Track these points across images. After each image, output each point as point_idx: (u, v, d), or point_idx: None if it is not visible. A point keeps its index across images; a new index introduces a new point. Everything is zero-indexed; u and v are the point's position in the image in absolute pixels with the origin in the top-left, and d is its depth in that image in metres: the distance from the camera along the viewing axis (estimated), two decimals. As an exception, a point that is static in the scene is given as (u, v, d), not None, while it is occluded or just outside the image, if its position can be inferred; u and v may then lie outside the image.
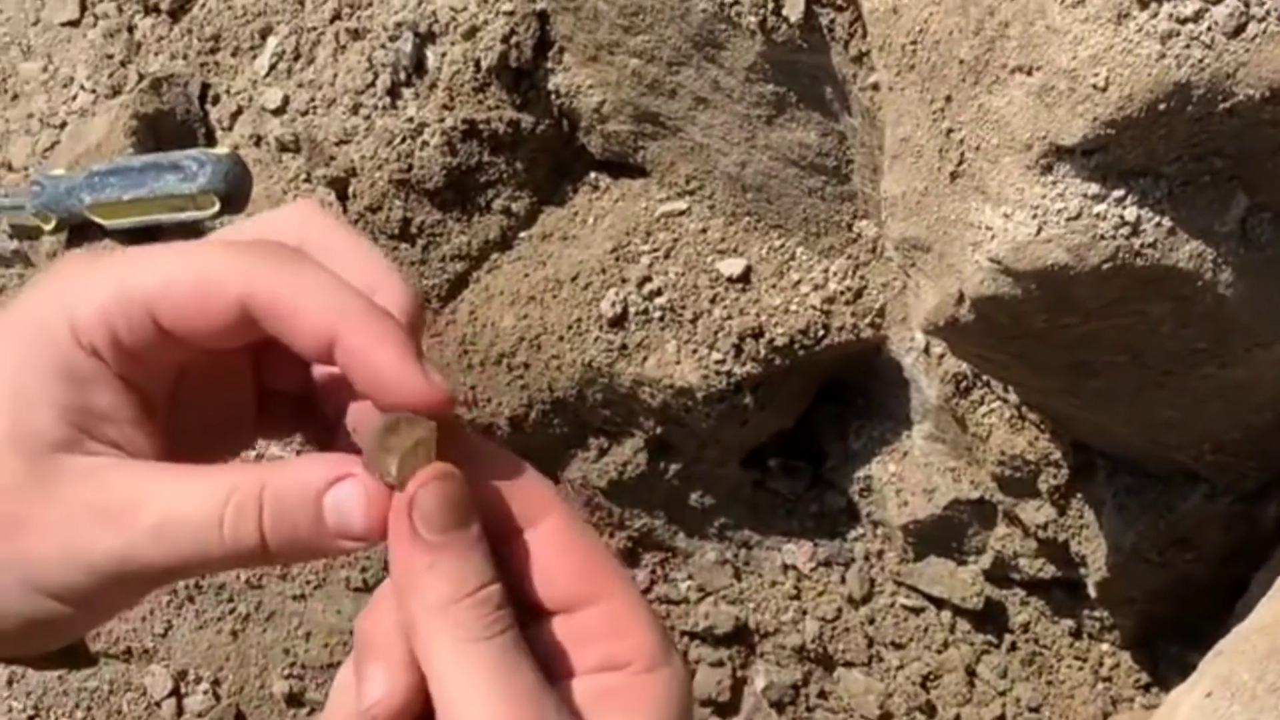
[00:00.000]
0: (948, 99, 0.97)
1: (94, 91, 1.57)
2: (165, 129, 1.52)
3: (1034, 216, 0.94)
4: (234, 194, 1.39)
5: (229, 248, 0.51)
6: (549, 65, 1.47)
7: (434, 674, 0.50)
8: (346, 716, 0.52)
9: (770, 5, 1.25)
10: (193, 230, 1.50)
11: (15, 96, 1.63)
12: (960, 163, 0.98)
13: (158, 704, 1.58)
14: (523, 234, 1.54)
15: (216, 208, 1.39)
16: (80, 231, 1.48)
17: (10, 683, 1.60)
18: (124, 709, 1.59)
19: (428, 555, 0.50)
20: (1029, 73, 0.91)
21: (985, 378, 1.35)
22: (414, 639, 0.50)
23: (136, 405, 0.52)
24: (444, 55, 1.47)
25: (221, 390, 0.57)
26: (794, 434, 1.62)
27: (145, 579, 0.51)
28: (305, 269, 0.51)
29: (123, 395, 0.51)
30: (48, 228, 1.49)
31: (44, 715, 1.59)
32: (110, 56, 1.57)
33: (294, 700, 1.57)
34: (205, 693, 1.58)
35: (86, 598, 0.51)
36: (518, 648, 0.50)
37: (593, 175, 1.55)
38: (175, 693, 1.58)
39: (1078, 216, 0.93)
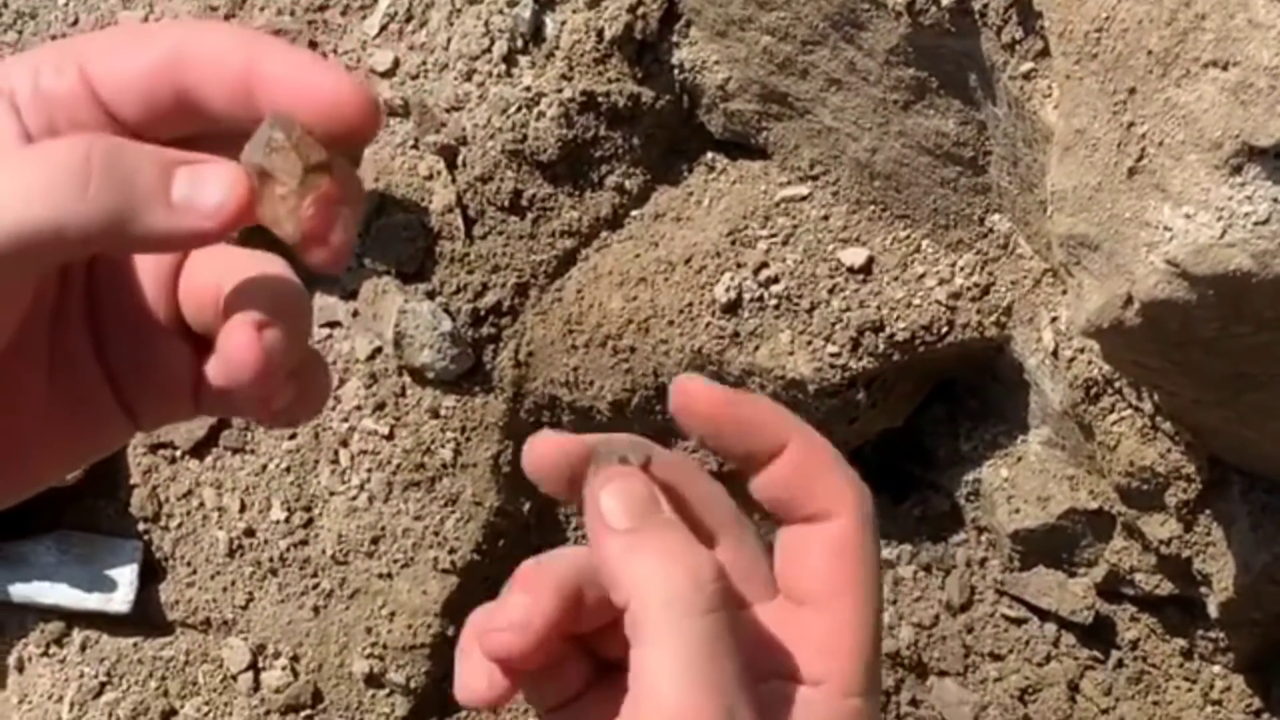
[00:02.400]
0: (1131, 91, 0.95)
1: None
2: (271, 87, 1.50)
3: (1219, 219, 0.91)
4: (347, 158, 1.37)
5: (169, 20, 0.52)
6: (674, 39, 1.45)
7: (638, 638, 0.49)
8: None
9: (921, -14, 1.23)
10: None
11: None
12: (1140, 158, 0.95)
13: (234, 677, 1.57)
14: (635, 212, 1.52)
15: (326, 171, 1.37)
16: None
17: (83, 648, 1.59)
18: (199, 680, 1.58)
19: (625, 539, 0.51)
20: (1224, 68, 0.88)
21: (1118, 385, 1.32)
22: (630, 620, 0.49)
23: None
24: (564, 24, 1.45)
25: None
26: (900, 432, 1.59)
27: None
28: (225, 24, 0.50)
29: (11, 125, 0.47)
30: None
31: (116, 683, 1.59)
32: (214, 9, 1.55)
33: (373, 681, 1.56)
34: (283, 668, 1.56)
35: None
36: (728, 632, 0.49)
37: (710, 155, 1.52)
38: (253, 666, 1.57)
39: (1266, 221, 0.90)
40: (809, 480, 0.54)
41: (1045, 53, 1.18)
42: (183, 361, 0.52)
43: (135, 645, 1.59)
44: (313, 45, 1.53)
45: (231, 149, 0.48)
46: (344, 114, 0.46)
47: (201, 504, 1.56)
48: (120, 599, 1.56)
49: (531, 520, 1.60)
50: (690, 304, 1.45)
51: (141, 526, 1.58)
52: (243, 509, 1.56)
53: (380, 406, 1.52)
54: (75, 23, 1.64)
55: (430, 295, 1.47)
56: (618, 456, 0.54)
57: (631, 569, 0.50)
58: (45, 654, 1.60)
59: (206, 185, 0.46)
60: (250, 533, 1.56)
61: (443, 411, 1.52)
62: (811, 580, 0.53)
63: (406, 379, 1.52)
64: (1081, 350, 1.34)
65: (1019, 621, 1.63)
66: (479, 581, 1.55)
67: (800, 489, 0.54)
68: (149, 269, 0.52)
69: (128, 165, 0.45)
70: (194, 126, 0.49)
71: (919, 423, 1.60)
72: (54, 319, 0.51)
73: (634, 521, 0.51)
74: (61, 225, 0.44)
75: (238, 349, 0.47)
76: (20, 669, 1.60)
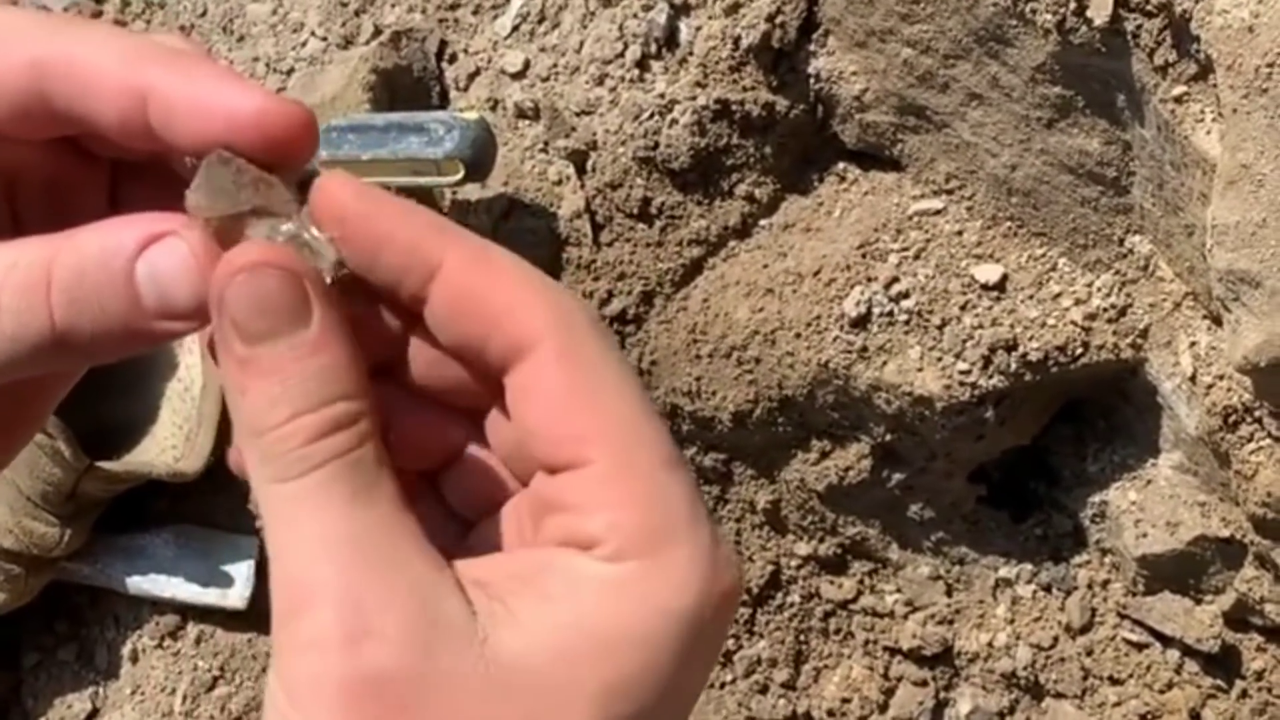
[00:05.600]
0: (1302, 130, 0.95)
1: (325, 39, 1.59)
2: (401, 85, 1.53)
3: (1390, 264, 0.92)
4: (480, 161, 1.39)
5: (39, 14, 0.44)
6: (811, 48, 1.46)
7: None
8: None
9: (1072, 5, 1.23)
10: (429, 195, 1.52)
11: (241, 38, 1.65)
12: (1309, 199, 0.96)
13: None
14: (764, 222, 1.53)
15: (461, 174, 1.39)
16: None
17: (198, 642, 1.64)
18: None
19: (239, 375, 0.42)
20: (1403, 111, 0.89)
21: (1258, 414, 1.32)
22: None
23: None
24: (699, 30, 1.47)
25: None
26: (1025, 450, 1.60)
27: None
28: (110, 30, 0.43)
29: None
30: (276, 180, 1.51)
31: (229, 677, 1.63)
32: (344, 4, 1.58)
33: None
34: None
35: None
36: (370, 488, 0.41)
37: (842, 165, 1.53)
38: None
39: None
40: (478, 307, 0.43)
41: (1199, 77, 1.18)
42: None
43: (249, 641, 1.63)
44: (443, 45, 1.55)
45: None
46: (271, 131, 0.42)
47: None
48: (236, 594, 1.60)
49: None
50: (818, 316, 1.46)
51: (258, 522, 1.62)
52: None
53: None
54: (204, 13, 1.67)
55: (556, 301, 1.50)
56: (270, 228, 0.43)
57: (236, 417, 0.42)
58: (160, 646, 1.64)
59: (176, 286, 0.42)
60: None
61: (564, 418, 1.54)
62: (543, 444, 0.43)
63: (529, 384, 1.54)
64: (1221, 377, 1.34)
65: (1141, 646, 1.63)
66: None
67: (471, 321, 0.43)
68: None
69: (92, 300, 0.42)
70: (73, 132, 0.45)
71: (1045, 441, 1.60)
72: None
73: (252, 350, 0.41)
74: (43, 373, 0.44)
75: None
76: (135, 660, 1.65)
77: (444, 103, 1.57)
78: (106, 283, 0.42)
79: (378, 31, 1.56)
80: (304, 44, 1.61)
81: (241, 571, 1.60)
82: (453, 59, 1.56)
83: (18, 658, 1.71)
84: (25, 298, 0.42)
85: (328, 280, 0.42)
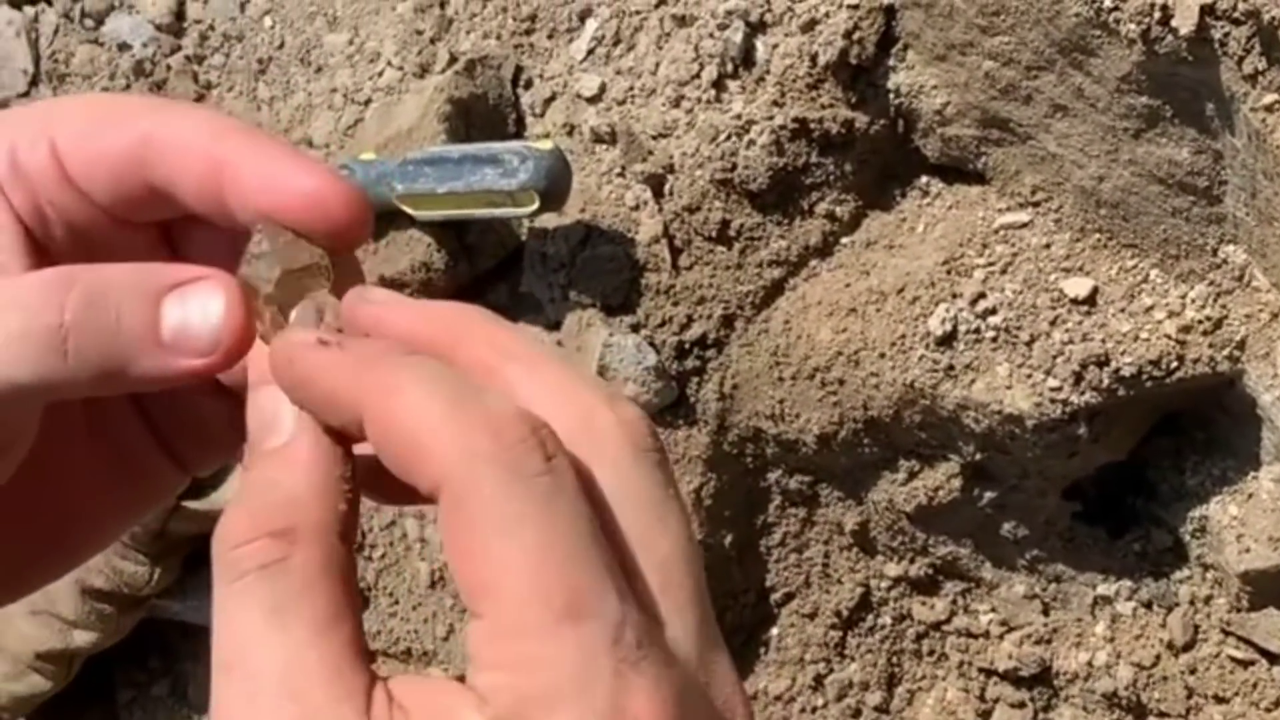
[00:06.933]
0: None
1: (401, 69, 1.60)
2: (476, 114, 1.53)
3: None
4: (555, 191, 1.39)
5: (144, 96, 0.48)
6: (890, 63, 1.44)
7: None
8: None
9: (1156, 15, 1.21)
10: (506, 227, 1.52)
11: (319, 69, 1.66)
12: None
13: (435, 707, 1.61)
14: (845, 240, 1.52)
15: (536, 205, 1.39)
16: (387, 219, 1.51)
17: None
18: (401, 709, 1.62)
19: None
20: None
21: (1362, 427, 1.29)
22: None
23: (17, 235, 0.47)
24: (775, 48, 1.46)
25: None
26: (1121, 465, 1.57)
27: None
28: (200, 108, 0.47)
29: (3, 217, 0.47)
30: (354, 214, 1.52)
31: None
32: (420, 33, 1.59)
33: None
34: (484, 699, 1.60)
35: None
36: (291, 606, 0.41)
37: (924, 180, 1.52)
38: (456, 691, 1.61)
39: None
40: (394, 457, 0.42)
41: (1291, 84, 1.16)
42: (221, 400, 0.51)
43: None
44: (518, 70, 1.56)
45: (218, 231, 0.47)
46: (328, 213, 0.44)
47: (404, 535, 1.61)
48: (326, 627, 1.61)
49: (733, 554, 1.62)
50: (903, 336, 1.45)
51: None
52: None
53: (584, 438, 1.54)
54: (281, 45, 1.69)
55: (635, 328, 1.49)
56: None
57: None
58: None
59: (198, 317, 0.44)
60: (452, 562, 1.60)
61: (647, 444, 1.53)
62: (464, 591, 0.41)
63: (611, 412, 1.54)
64: (1322, 389, 1.31)
65: (1246, 663, 1.60)
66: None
67: (396, 467, 0.42)
68: None
69: (109, 309, 0.44)
70: (170, 213, 0.48)
71: (1142, 455, 1.58)
72: None
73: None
74: (48, 384, 0.44)
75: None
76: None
77: (520, 129, 1.57)
78: (129, 305, 0.43)
79: (453, 59, 1.56)
80: (380, 74, 1.61)
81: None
82: (528, 84, 1.56)
83: (113, 694, 1.74)
84: (42, 294, 0.43)
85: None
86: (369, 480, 0.45)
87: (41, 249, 0.47)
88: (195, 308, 0.44)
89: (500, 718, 0.39)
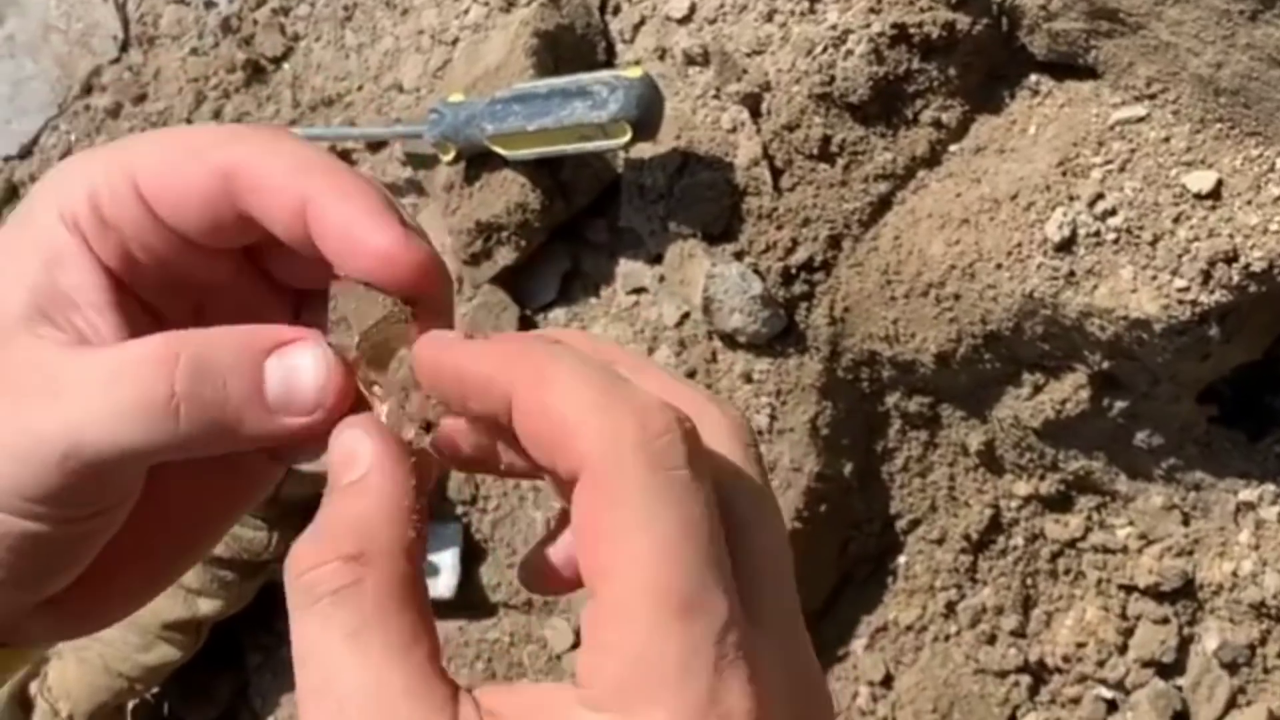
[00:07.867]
0: None
1: (487, 4, 1.57)
2: (564, 45, 1.50)
3: None
4: (647, 120, 1.36)
5: (219, 127, 0.48)
6: (990, -41, 1.39)
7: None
8: None
9: (1271, -118, 1.14)
10: (601, 160, 1.49)
11: (405, 12, 1.64)
12: None
13: (558, 657, 1.60)
14: (953, 148, 1.47)
15: (628, 136, 1.36)
16: (480, 161, 1.48)
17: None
18: (524, 661, 1.62)
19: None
20: None
21: None
22: None
23: (107, 290, 0.48)
24: (868, -48, 1.41)
25: None
26: (1257, 365, 1.51)
27: (93, 463, 0.45)
28: (283, 138, 0.48)
29: (92, 277, 0.48)
30: (446, 158, 1.50)
31: (447, 666, 1.64)
32: (493, -16, 1.56)
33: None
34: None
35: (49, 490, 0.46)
36: (367, 630, 0.43)
37: (1033, 78, 1.46)
38: (576, 646, 1.60)
39: None
40: (541, 436, 0.43)
41: None
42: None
43: (460, 629, 1.64)
44: (608, -5, 1.52)
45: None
46: (395, 274, 0.46)
47: (517, 484, 1.59)
48: (444, 584, 1.60)
49: (854, 483, 1.58)
50: (1019, 244, 1.40)
51: (460, 510, 1.62)
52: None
53: (691, 374, 1.51)
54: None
55: (738, 256, 1.46)
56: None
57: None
58: (375, 634, 1.66)
59: (299, 378, 0.46)
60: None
61: (756, 376, 1.50)
62: (582, 568, 0.43)
63: (717, 344, 1.51)
64: None
65: (1401, 565, 1.54)
66: (799, 551, 1.54)
67: (539, 449, 0.43)
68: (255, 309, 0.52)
69: (216, 376, 0.46)
70: (256, 238, 0.49)
71: (1277, 353, 1.51)
72: None
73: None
74: (159, 449, 0.46)
75: None
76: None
77: (610, 57, 1.53)
78: (233, 370, 0.46)
79: (538, -9, 1.53)
80: (466, 11, 1.59)
81: (447, 560, 1.60)
82: (616, 10, 1.53)
83: (242, 659, 1.75)
84: (152, 366, 0.45)
85: (422, 442, 0.47)
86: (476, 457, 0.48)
87: (128, 290, 0.49)
88: (296, 370, 0.46)
89: (600, 701, 0.40)
